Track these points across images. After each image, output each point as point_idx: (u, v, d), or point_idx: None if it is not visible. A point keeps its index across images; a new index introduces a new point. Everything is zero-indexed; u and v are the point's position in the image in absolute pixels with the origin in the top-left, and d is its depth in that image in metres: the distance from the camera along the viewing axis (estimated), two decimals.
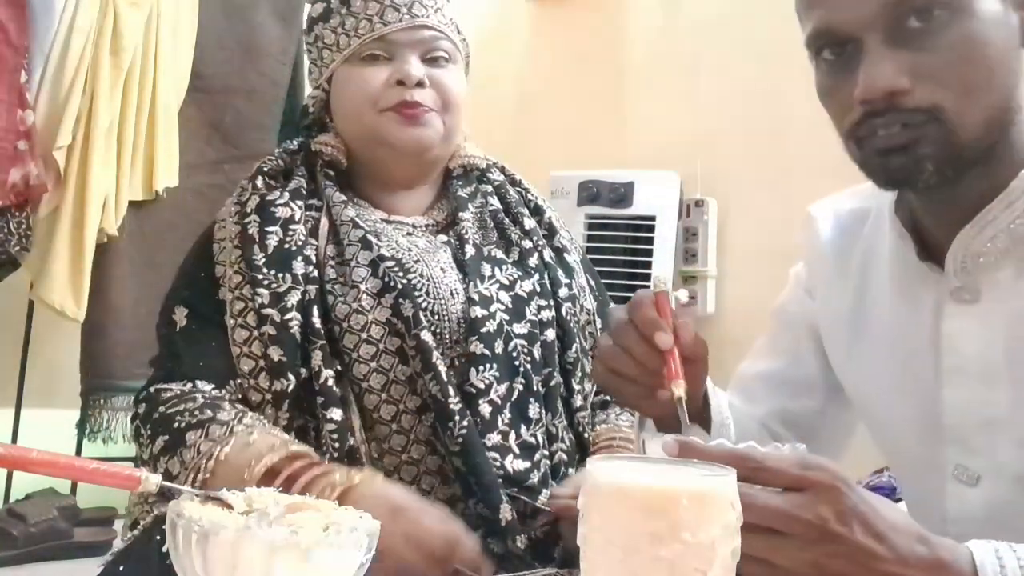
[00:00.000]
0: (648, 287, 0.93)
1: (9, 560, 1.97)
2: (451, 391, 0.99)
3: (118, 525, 2.19)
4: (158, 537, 0.61)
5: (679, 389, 0.78)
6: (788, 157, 2.55)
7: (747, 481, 0.59)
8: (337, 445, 0.98)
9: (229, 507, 0.58)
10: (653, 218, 2.60)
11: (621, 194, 2.64)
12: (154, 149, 2.21)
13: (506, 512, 0.98)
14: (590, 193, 2.67)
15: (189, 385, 1.01)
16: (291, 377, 0.99)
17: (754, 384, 1.07)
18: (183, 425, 0.95)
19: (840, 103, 0.82)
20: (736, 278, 2.61)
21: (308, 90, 1.21)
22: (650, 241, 2.59)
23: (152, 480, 0.60)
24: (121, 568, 0.84)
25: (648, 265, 2.56)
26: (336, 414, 0.98)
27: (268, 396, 1.00)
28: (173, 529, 0.56)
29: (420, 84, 1.09)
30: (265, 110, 2.48)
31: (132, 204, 2.20)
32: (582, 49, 3.13)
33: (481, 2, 3.13)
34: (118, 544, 1.17)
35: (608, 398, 1.19)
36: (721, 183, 2.68)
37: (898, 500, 1.82)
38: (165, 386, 1.01)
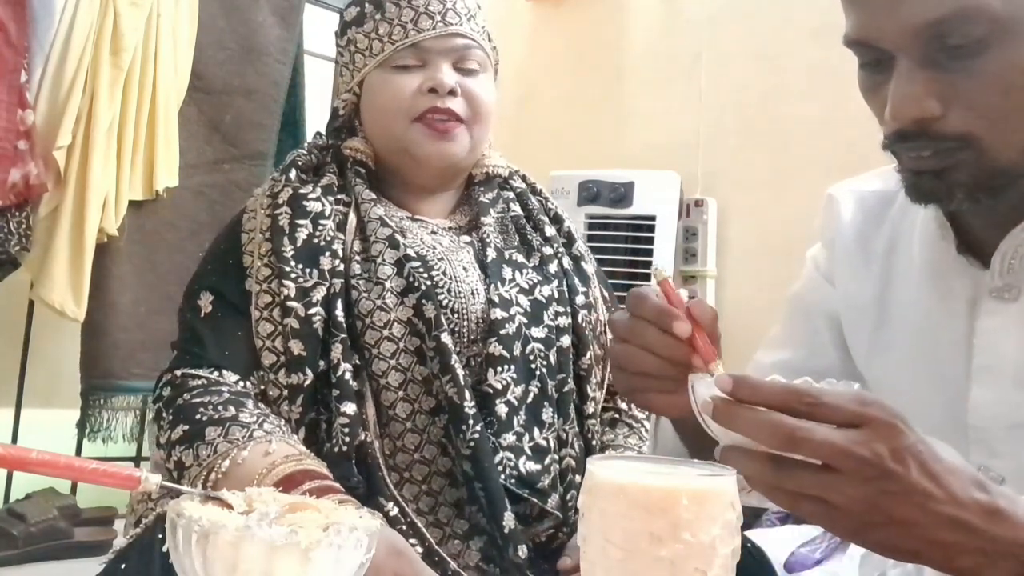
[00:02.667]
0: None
1: (9, 560, 1.97)
2: (467, 395, 1.00)
3: (118, 525, 2.19)
4: (160, 535, 0.61)
5: (718, 368, 0.73)
6: (788, 157, 2.55)
7: (803, 417, 0.58)
8: (347, 440, 0.98)
9: (229, 507, 0.59)
10: (653, 218, 2.61)
11: (621, 194, 2.64)
12: (154, 149, 2.21)
13: (509, 520, 0.98)
14: (590, 193, 2.68)
15: (215, 374, 1.01)
16: (308, 372, 1.00)
17: (770, 375, 1.04)
18: (205, 419, 0.95)
19: (877, 106, 0.79)
20: (736, 278, 2.62)
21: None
22: (650, 241, 2.59)
23: (152, 480, 0.60)
24: (123, 566, 0.84)
25: (648, 265, 2.56)
26: (349, 408, 0.99)
27: (285, 392, 1.00)
28: (173, 529, 0.56)
29: (452, 92, 1.09)
30: (265, 110, 2.48)
31: (132, 204, 2.19)
32: (582, 49, 3.13)
33: (481, 2, 3.13)
34: (119, 543, 1.17)
35: (617, 415, 1.20)
36: (721, 183, 2.68)
37: None
38: (192, 371, 1.01)
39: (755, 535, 1.53)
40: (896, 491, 0.58)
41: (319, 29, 2.83)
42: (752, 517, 1.98)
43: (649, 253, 2.58)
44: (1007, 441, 0.81)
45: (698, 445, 0.88)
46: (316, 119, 2.70)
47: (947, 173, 0.74)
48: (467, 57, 1.13)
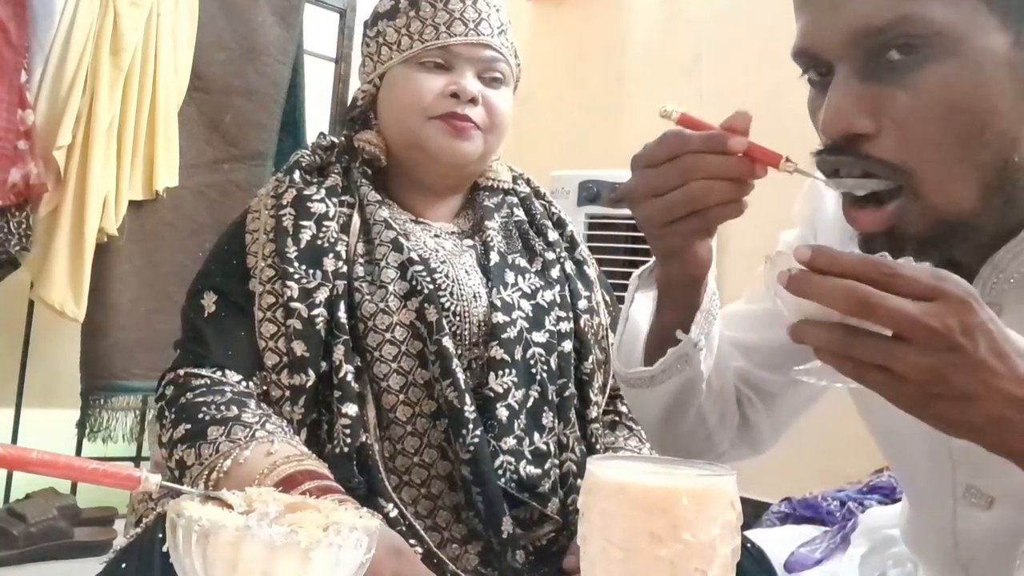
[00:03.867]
0: None
1: (9, 560, 1.97)
2: (467, 399, 1.00)
3: (118, 525, 2.19)
4: (160, 535, 0.61)
5: (790, 163, 0.72)
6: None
7: (879, 287, 0.58)
8: (348, 441, 0.98)
9: (229, 507, 0.58)
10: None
11: None
12: (154, 149, 2.21)
13: (507, 526, 0.98)
14: (590, 193, 2.67)
15: (218, 373, 1.01)
16: (311, 372, 1.00)
17: (727, 348, 0.98)
18: (207, 418, 0.95)
19: (817, 127, 0.77)
20: (736, 278, 2.61)
21: (353, 86, 1.21)
22: None
23: (152, 480, 0.60)
24: (123, 565, 0.84)
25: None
26: (351, 409, 0.99)
27: (287, 393, 1.00)
28: (173, 529, 0.56)
29: (473, 100, 1.10)
30: (265, 110, 2.48)
31: (132, 204, 2.20)
32: (582, 49, 3.13)
33: None
34: (119, 543, 1.17)
35: (617, 418, 1.21)
36: None
37: (899, 500, 1.82)
38: (195, 371, 1.02)
39: (755, 535, 1.53)
40: (962, 364, 0.58)
41: (319, 29, 2.83)
42: (752, 517, 1.98)
43: (649, 253, 2.58)
44: (995, 460, 0.81)
45: (672, 320, 0.86)
46: (316, 119, 2.71)
47: (895, 232, 0.73)
48: (492, 69, 1.13)
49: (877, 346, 0.59)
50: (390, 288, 1.04)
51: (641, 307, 0.92)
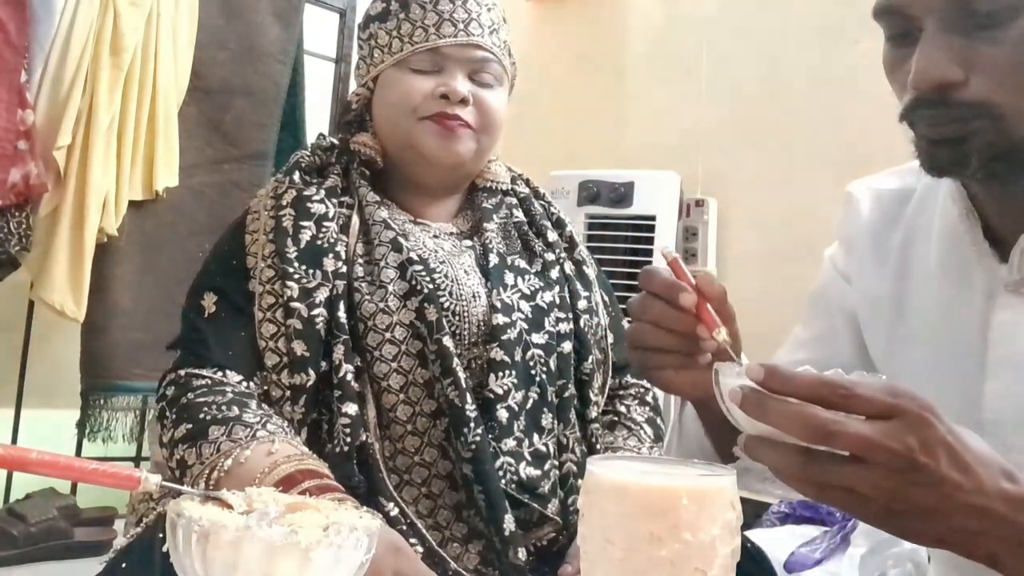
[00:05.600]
0: None
1: (9, 560, 1.97)
2: (468, 398, 1.00)
3: (118, 525, 2.19)
4: (160, 535, 0.61)
5: (721, 334, 0.74)
6: (788, 157, 2.55)
7: (835, 408, 0.58)
8: (348, 440, 0.98)
9: (229, 507, 0.59)
10: (653, 218, 2.61)
11: (621, 194, 2.65)
12: (154, 149, 2.21)
13: (509, 523, 0.99)
14: (590, 193, 2.68)
15: (219, 374, 1.01)
16: (311, 372, 1.00)
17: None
18: (208, 418, 0.95)
19: (898, 83, 0.79)
20: (736, 278, 2.61)
21: (353, 86, 1.21)
22: (650, 241, 2.59)
23: (152, 480, 0.60)
24: (123, 565, 0.84)
25: (648, 265, 2.56)
26: (351, 409, 0.99)
27: (287, 393, 1.01)
28: (173, 529, 0.56)
29: (464, 101, 1.10)
30: (265, 110, 2.48)
31: (132, 204, 2.20)
32: (582, 49, 3.13)
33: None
34: (119, 543, 1.17)
35: (616, 419, 1.21)
36: (721, 183, 2.68)
37: None
38: (196, 371, 1.02)
39: (755, 535, 1.53)
40: (924, 482, 0.59)
41: (319, 29, 2.84)
42: (752, 517, 1.98)
43: (649, 253, 2.59)
44: (1021, 434, 0.80)
45: (719, 432, 0.88)
46: (316, 119, 2.71)
47: (964, 142, 0.74)
48: (483, 69, 1.13)
49: (837, 471, 0.59)
50: (390, 288, 1.04)
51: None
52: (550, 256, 1.16)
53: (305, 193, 1.09)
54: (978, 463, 0.60)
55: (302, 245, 1.05)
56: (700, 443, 0.92)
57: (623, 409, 1.22)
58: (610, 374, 1.19)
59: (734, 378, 0.61)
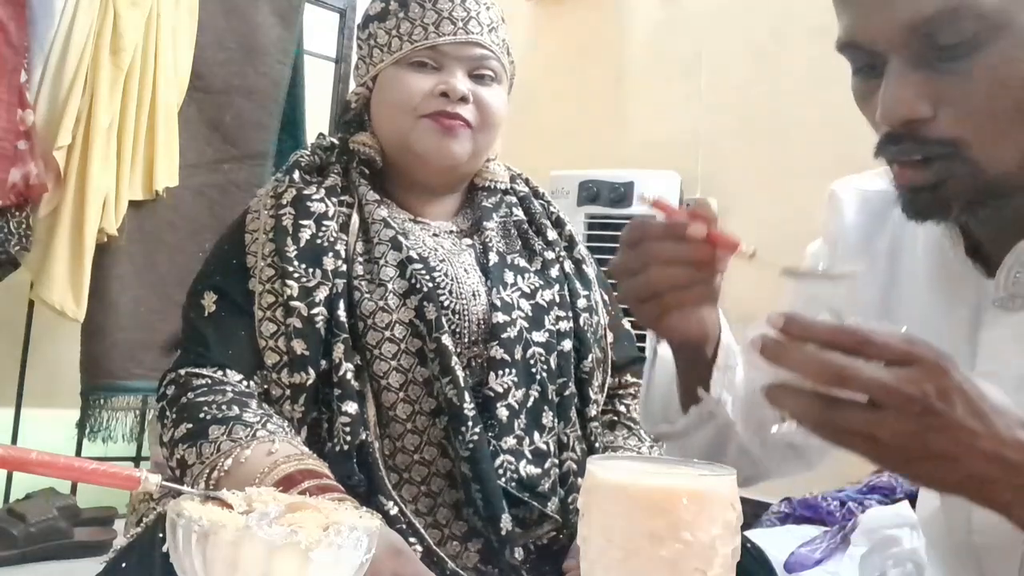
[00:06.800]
0: None
1: (9, 560, 1.97)
2: (467, 396, 1.00)
3: (118, 525, 2.19)
4: (160, 535, 0.61)
5: (749, 246, 0.74)
6: (788, 157, 2.55)
7: (853, 354, 0.59)
8: (348, 439, 0.98)
9: (229, 507, 0.59)
10: (653, 218, 2.60)
11: (621, 194, 2.64)
12: (154, 149, 2.21)
13: (507, 522, 0.99)
14: (590, 193, 2.67)
15: (219, 373, 1.01)
16: (311, 371, 1.00)
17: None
18: (208, 417, 0.95)
19: (869, 114, 0.78)
20: (736, 278, 2.61)
21: (352, 86, 1.21)
22: None
23: (152, 480, 0.60)
24: (123, 565, 0.84)
25: None
26: (351, 407, 0.99)
27: (287, 391, 1.01)
28: (173, 529, 0.56)
29: (463, 99, 1.10)
30: (265, 110, 2.48)
31: (132, 204, 2.20)
32: (581, 48, 3.13)
33: None
34: (119, 543, 1.17)
35: (616, 418, 1.21)
36: (721, 183, 2.68)
37: (899, 500, 1.81)
38: (196, 371, 1.02)
39: (755, 535, 1.53)
40: (940, 427, 0.59)
41: (319, 29, 2.84)
42: (752, 517, 1.98)
43: None
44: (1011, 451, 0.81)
45: (687, 377, 0.88)
46: (316, 119, 2.71)
47: (940, 187, 0.74)
48: (482, 67, 1.13)
49: (855, 416, 0.59)
50: (389, 286, 1.04)
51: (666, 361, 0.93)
52: (550, 255, 1.16)
53: (305, 192, 1.09)
54: (994, 412, 0.61)
55: (302, 244, 1.05)
56: (670, 386, 0.92)
57: (623, 408, 1.22)
58: (609, 373, 1.19)
59: (755, 330, 0.62)
